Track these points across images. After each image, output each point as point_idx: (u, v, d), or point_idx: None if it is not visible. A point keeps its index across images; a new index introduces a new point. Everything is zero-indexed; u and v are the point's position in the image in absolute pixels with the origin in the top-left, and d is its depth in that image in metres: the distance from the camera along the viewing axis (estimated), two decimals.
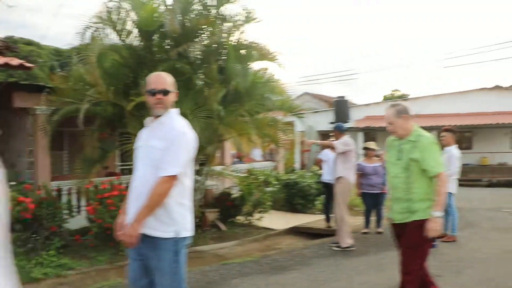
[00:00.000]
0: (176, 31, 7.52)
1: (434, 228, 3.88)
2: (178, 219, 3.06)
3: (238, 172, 11.08)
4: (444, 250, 7.39)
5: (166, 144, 3.01)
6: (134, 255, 3.16)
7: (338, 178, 7.58)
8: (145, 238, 2.99)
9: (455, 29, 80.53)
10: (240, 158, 15.96)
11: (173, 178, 2.97)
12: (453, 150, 7.90)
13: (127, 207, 3.17)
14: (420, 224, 3.94)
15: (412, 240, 4.01)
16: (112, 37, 8.13)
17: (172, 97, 3.18)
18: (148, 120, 3.27)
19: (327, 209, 9.21)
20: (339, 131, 7.88)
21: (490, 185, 21.14)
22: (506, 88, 30.03)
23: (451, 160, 7.82)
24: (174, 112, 3.19)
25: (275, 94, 9.31)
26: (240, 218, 9.64)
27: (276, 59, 8.59)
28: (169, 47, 8.16)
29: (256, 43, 8.40)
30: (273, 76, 9.15)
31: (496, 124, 21.98)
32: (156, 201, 2.95)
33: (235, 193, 9.97)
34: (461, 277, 5.88)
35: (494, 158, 23.30)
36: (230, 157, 12.81)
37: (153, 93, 3.11)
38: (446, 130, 8.11)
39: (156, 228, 3.00)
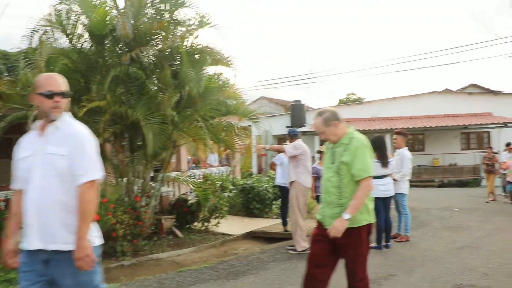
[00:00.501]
0: (129, 36, 7.40)
1: (337, 227, 3.74)
2: (91, 228, 2.87)
3: (194, 178, 10.99)
4: (398, 249, 7.58)
5: (71, 149, 2.82)
6: (32, 278, 2.81)
7: (292, 183, 7.64)
8: (55, 255, 2.77)
9: (408, 33, 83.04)
10: (196, 163, 15.85)
11: (95, 182, 2.85)
12: (405, 151, 8.14)
13: (25, 225, 2.86)
14: (357, 232, 3.87)
15: (356, 250, 3.94)
16: (62, 41, 7.92)
17: (67, 100, 2.97)
18: (36, 124, 3.01)
19: (284, 213, 9.24)
20: (290, 136, 7.95)
21: (442, 185, 21.90)
22: (455, 92, 31.31)
23: (403, 161, 8.06)
24: (68, 116, 2.99)
25: (230, 99, 9.30)
26: (197, 224, 9.56)
27: (231, 64, 8.60)
28: (121, 51, 8.02)
29: (210, 48, 8.37)
30: (228, 81, 9.14)
31: (446, 126, 22.80)
32: (90, 210, 2.79)
33: (192, 199, 9.88)
34: (414, 276, 6.04)
35: (445, 159, 24.14)
36: (186, 163, 12.70)
37: (49, 95, 2.86)
38: (398, 133, 8.36)
39: (69, 241, 2.76)
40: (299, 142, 7.76)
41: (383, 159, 7.58)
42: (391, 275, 6.07)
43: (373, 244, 7.71)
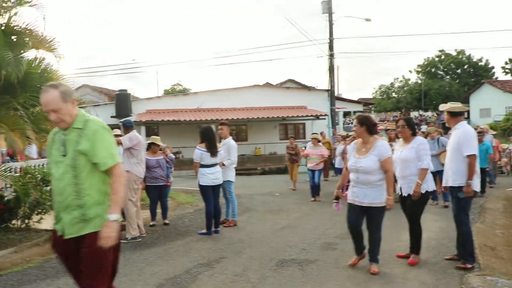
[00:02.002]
0: None
1: (108, 235, 3.08)
2: None
3: (11, 172, 10.03)
4: (227, 234, 8.00)
5: None
6: None
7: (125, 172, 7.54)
8: None
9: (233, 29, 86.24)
10: (11, 155, 14.47)
11: None
12: (231, 141, 8.62)
13: None
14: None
15: (96, 258, 3.15)
16: None
17: None
18: None
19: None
20: (126, 127, 7.91)
21: (264, 172, 23.44)
22: (275, 86, 33.71)
23: (230, 150, 8.52)
24: None
25: None
26: (16, 222, 8.75)
27: (55, 49, 8.03)
28: None
29: (31, 30, 7.70)
30: (50, 66, 8.52)
31: (267, 117, 24.42)
32: None
33: (9, 195, 9.02)
34: (243, 256, 6.48)
35: (266, 148, 25.86)
36: (1, 155, 11.53)
37: None
38: (222, 124, 8.80)
39: None
40: (134, 133, 7.76)
41: (212, 149, 7.89)
42: (222, 257, 6.41)
43: (203, 231, 8.04)
